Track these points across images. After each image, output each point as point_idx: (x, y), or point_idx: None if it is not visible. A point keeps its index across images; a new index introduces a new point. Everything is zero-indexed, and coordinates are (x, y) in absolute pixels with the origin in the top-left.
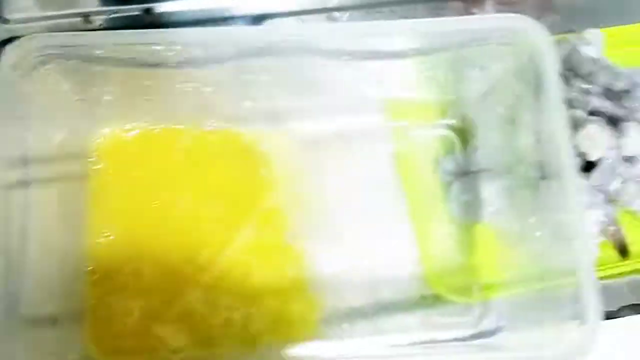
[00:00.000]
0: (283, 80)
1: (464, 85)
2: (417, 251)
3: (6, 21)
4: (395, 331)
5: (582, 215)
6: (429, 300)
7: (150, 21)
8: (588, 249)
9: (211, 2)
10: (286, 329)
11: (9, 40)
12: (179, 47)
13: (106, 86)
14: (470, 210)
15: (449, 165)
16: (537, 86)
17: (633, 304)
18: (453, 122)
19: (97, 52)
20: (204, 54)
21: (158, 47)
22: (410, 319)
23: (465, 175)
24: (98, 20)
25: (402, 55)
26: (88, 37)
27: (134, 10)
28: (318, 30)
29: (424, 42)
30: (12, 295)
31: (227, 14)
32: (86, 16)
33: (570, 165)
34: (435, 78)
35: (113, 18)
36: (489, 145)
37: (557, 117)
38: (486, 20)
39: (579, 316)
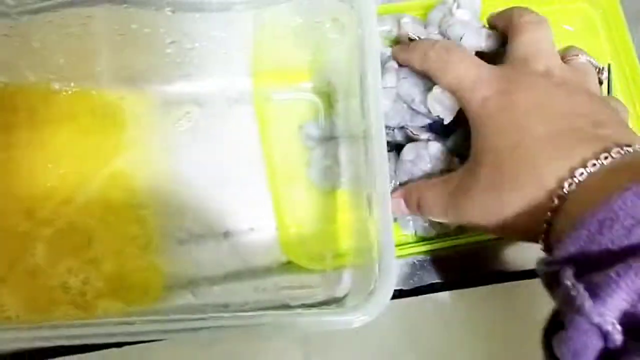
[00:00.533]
0: (132, 36)
1: (328, 48)
2: (274, 217)
3: None
4: (245, 297)
5: (384, 183)
6: (284, 267)
7: None
8: (388, 219)
9: None
10: (126, 295)
11: None
12: None
13: None
14: (330, 177)
15: (312, 130)
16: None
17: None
18: (318, 85)
19: None
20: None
21: None
22: (262, 285)
23: (327, 141)
24: None
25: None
26: None
27: None
28: None
29: None
30: None
31: None
32: None
33: (377, 129)
34: (299, 40)
35: None
36: (349, 110)
37: (372, 84)
38: None
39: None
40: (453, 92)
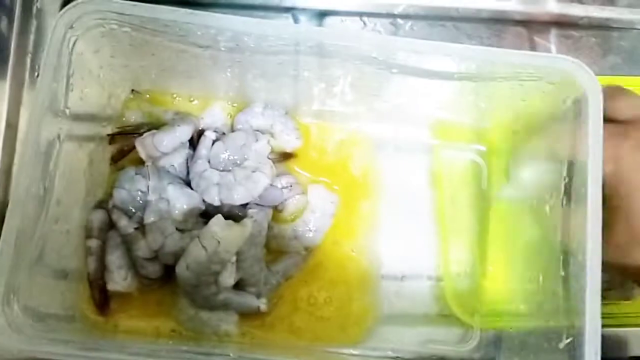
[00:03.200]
0: (329, 81)
1: (501, 115)
2: (438, 267)
3: None
4: (398, 343)
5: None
6: (439, 319)
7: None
8: (596, 293)
9: None
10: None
11: None
12: (230, 34)
13: (152, 58)
14: None
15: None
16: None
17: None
18: (483, 148)
19: (149, 25)
20: (255, 44)
21: (211, 31)
22: (415, 336)
23: None
24: None
25: (445, 77)
26: (141, 9)
27: None
28: (376, 41)
29: (470, 68)
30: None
31: (289, 4)
32: None
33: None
34: (476, 104)
35: None
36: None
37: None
38: (538, 58)
39: None
40: None
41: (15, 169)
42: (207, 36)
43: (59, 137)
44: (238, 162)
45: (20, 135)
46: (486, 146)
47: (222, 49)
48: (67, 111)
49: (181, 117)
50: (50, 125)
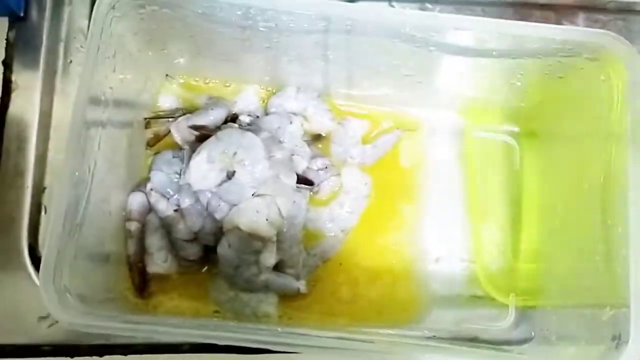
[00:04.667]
0: (363, 61)
1: (536, 93)
2: (471, 249)
3: None
4: (434, 323)
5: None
6: (473, 300)
7: None
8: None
9: None
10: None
11: None
12: (271, 13)
13: (190, 40)
14: None
15: None
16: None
17: None
18: (516, 129)
19: (190, 5)
20: (292, 23)
21: (251, 10)
22: (450, 316)
23: None
24: None
25: (484, 54)
26: None
27: None
28: (409, 16)
29: (509, 44)
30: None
31: None
32: None
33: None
34: (511, 83)
35: None
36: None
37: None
38: (576, 32)
39: (618, 338)
40: None
41: (50, 154)
42: (247, 16)
43: (101, 120)
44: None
45: (54, 122)
46: (519, 127)
47: (261, 29)
48: (110, 93)
49: (214, 101)
50: (94, 108)
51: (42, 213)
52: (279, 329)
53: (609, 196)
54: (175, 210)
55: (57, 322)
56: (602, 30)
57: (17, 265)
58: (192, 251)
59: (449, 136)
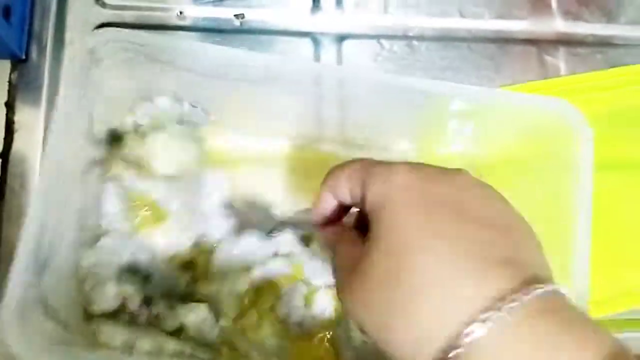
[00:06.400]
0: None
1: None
2: None
3: (104, 5)
4: None
5: None
6: None
7: (240, 25)
8: None
9: (297, 16)
10: None
11: (101, 25)
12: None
13: (166, 88)
14: None
15: None
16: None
17: None
18: None
19: (162, 55)
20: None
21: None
22: None
23: None
24: (189, 18)
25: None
26: (151, 38)
27: (226, 13)
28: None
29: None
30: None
31: (311, 29)
32: (181, 12)
33: None
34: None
35: (204, 18)
36: None
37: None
38: (530, 100)
39: None
40: None
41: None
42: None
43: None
44: None
45: None
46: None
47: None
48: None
49: None
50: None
51: None
52: None
53: None
54: None
55: None
56: (555, 99)
57: None
58: None
59: None
